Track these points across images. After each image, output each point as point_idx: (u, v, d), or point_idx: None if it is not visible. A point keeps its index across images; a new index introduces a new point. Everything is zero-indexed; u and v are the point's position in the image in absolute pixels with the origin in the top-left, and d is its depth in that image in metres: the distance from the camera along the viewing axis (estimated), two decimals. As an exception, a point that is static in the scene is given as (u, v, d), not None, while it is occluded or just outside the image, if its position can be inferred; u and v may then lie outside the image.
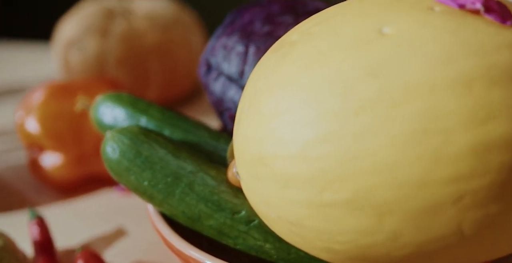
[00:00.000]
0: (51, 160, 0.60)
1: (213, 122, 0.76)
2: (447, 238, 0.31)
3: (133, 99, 0.50)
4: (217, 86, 0.49)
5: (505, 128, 0.29)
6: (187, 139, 0.48)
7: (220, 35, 0.49)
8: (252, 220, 0.42)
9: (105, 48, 0.76)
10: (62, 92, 0.61)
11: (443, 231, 0.31)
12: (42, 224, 0.51)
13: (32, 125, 0.60)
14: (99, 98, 0.51)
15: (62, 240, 0.54)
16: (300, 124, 0.32)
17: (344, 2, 0.36)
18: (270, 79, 0.34)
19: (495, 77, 0.30)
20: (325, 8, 0.49)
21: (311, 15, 0.46)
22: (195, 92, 0.87)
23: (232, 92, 0.48)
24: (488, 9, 0.32)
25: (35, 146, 0.60)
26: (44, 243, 0.50)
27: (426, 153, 0.30)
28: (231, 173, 0.42)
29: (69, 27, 0.79)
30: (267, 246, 0.41)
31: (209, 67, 0.50)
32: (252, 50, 0.47)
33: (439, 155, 0.29)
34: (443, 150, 0.29)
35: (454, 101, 0.30)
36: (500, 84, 0.30)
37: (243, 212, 0.42)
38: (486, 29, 0.31)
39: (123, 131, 0.44)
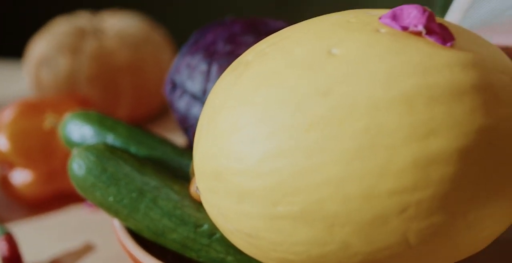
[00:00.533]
0: (21, 177, 0.61)
1: (181, 139, 0.77)
2: (394, 247, 0.33)
3: (100, 117, 0.51)
4: (182, 103, 0.50)
5: (445, 143, 0.31)
6: (152, 156, 0.49)
7: (184, 54, 0.51)
8: (214, 234, 0.43)
9: (76, 66, 0.77)
10: (31, 109, 0.62)
11: (390, 240, 0.33)
12: (11, 240, 0.52)
13: (2, 143, 0.60)
14: (67, 116, 0.52)
15: (31, 256, 0.55)
16: (254, 140, 0.33)
17: (297, 24, 0.38)
18: (227, 97, 0.36)
19: (435, 95, 0.32)
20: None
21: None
22: (165, 109, 0.88)
23: (195, 109, 0.49)
24: (429, 31, 0.34)
25: (5, 163, 0.61)
26: (13, 259, 0.51)
27: (371, 167, 0.31)
28: (193, 188, 0.43)
29: (41, 45, 0.80)
30: (229, 258, 0.43)
31: (174, 85, 0.51)
32: (214, 68, 0.48)
33: (384, 169, 0.31)
34: (387, 164, 0.31)
35: (397, 118, 0.31)
36: (441, 101, 0.32)
37: (206, 226, 0.43)
38: (428, 50, 0.33)
39: (89, 148, 0.46)
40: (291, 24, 0.51)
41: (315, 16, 1.20)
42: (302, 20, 1.20)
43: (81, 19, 0.83)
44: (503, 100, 0.33)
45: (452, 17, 0.43)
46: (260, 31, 0.50)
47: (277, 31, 0.51)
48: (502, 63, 0.35)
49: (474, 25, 0.43)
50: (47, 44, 0.79)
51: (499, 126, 0.33)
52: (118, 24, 0.83)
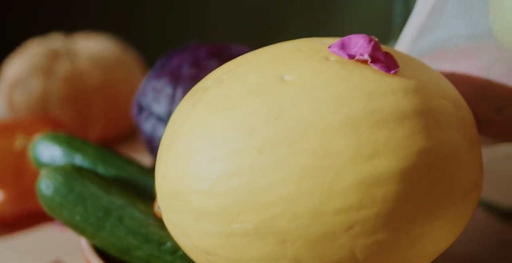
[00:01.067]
0: (-8, 196, 0.62)
1: (149, 159, 0.79)
2: (343, 262, 0.35)
3: (69, 138, 0.53)
4: (148, 125, 0.52)
5: (387, 164, 0.34)
6: (119, 176, 0.51)
7: (151, 78, 0.53)
8: (177, 251, 0.45)
9: (48, 87, 0.79)
10: (3, 130, 0.64)
11: (339, 256, 0.35)
12: (-20, 259, 0.53)
13: (-27, 163, 0.62)
14: (37, 137, 0.54)
15: (1, 274, 0.56)
16: (211, 162, 0.35)
17: (253, 52, 0.40)
18: (186, 121, 0.38)
19: (379, 119, 0.34)
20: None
21: (235, 60, 0.50)
22: (136, 130, 0.90)
23: (161, 131, 0.51)
24: (374, 60, 0.36)
25: (-24, 183, 0.62)
26: (-18, 277, 0.52)
27: (319, 186, 0.33)
28: (156, 207, 0.45)
29: (14, 67, 0.81)
30: (191, 274, 0.45)
31: (140, 108, 0.53)
32: (179, 92, 0.50)
33: (331, 189, 0.33)
34: (334, 184, 0.33)
35: (343, 140, 0.34)
36: (384, 125, 0.34)
37: (169, 244, 0.45)
38: (373, 77, 0.35)
39: (57, 169, 0.47)
40: (253, 49, 0.53)
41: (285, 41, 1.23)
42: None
43: (55, 41, 0.85)
44: (443, 124, 0.36)
45: (402, 44, 0.46)
46: (224, 56, 0.52)
47: (240, 55, 0.53)
48: (444, 89, 0.38)
49: (423, 52, 0.46)
50: (21, 65, 0.80)
51: (439, 148, 0.35)
52: (90, 47, 0.85)
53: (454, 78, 0.44)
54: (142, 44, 1.02)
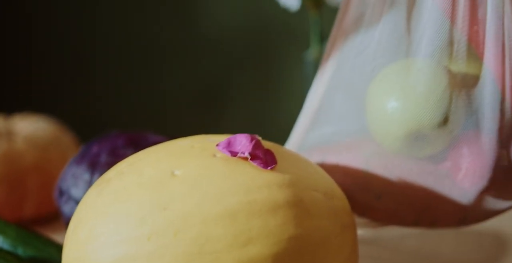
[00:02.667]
0: None
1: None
2: None
3: (-8, 220, 0.57)
4: (67, 208, 0.56)
5: (260, 250, 0.38)
6: (38, 256, 0.54)
7: (71, 165, 0.57)
8: None
9: (-16, 167, 0.82)
10: None
11: None
12: None
13: None
14: (-38, 218, 0.57)
15: None
16: (106, 247, 0.39)
17: (153, 147, 0.45)
18: (89, 209, 0.42)
19: (255, 210, 0.39)
20: (164, 142, 0.58)
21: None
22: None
23: (78, 214, 0.55)
24: (254, 157, 0.41)
25: None
26: None
27: (200, 270, 0.38)
28: (65, 287, 0.48)
29: (-48, 146, 0.84)
30: None
31: (61, 192, 0.57)
32: (96, 178, 0.55)
33: (209, 272, 0.38)
34: (212, 268, 0.38)
35: (222, 228, 0.38)
36: (258, 215, 0.39)
37: None
38: (252, 172, 0.41)
39: (-24, 250, 0.51)
40: (168, 138, 0.58)
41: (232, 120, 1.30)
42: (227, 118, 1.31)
43: (-6, 122, 0.89)
44: (313, 213, 0.41)
45: (293, 139, 0.51)
46: (140, 145, 0.57)
47: (155, 144, 0.58)
48: (317, 182, 0.43)
49: (312, 146, 0.51)
50: (-42, 145, 0.84)
51: (309, 235, 0.40)
52: (28, 127, 0.89)
53: (338, 169, 0.49)
54: (78, 125, 1.06)
